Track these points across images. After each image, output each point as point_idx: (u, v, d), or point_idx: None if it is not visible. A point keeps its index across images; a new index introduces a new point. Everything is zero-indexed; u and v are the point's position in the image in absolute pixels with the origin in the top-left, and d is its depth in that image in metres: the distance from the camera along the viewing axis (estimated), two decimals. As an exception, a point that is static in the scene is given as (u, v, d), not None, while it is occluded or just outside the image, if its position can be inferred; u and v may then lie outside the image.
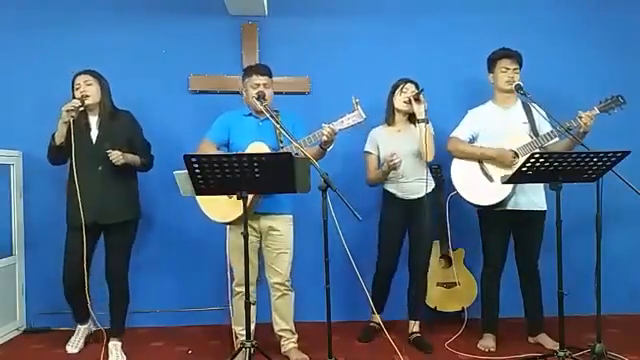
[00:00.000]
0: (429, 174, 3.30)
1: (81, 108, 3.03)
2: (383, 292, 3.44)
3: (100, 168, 3.04)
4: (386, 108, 3.36)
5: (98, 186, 3.03)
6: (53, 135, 3.07)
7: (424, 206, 3.22)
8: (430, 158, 3.20)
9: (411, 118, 3.30)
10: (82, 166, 3.00)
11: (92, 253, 3.14)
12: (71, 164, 3.04)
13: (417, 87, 3.28)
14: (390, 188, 3.33)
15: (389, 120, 3.36)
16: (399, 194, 3.30)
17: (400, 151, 3.19)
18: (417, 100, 3.16)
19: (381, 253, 3.40)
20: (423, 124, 3.13)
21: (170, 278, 3.80)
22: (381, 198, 3.42)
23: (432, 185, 3.33)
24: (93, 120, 3.14)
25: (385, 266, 3.39)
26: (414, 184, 3.26)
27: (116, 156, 3.00)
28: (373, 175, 3.35)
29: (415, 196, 3.26)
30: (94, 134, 3.12)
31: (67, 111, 2.96)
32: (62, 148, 3.03)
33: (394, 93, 3.33)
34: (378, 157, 3.36)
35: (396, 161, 3.12)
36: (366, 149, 3.40)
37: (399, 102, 3.30)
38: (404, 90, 3.29)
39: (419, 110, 3.14)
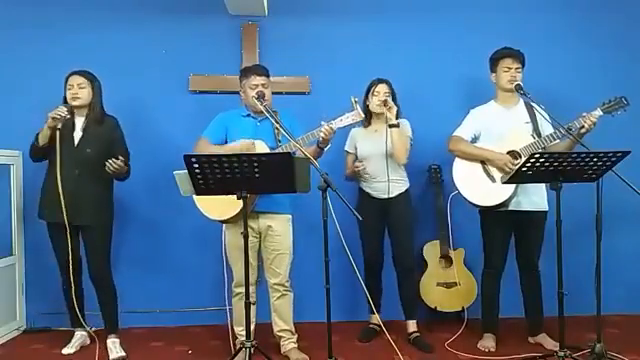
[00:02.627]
0: (405, 175, 3.37)
1: (68, 117, 3.00)
2: (375, 289, 3.44)
3: (77, 171, 3.05)
4: (361, 109, 3.36)
5: (72, 187, 3.02)
6: (37, 134, 3.08)
7: (399, 205, 3.30)
8: (402, 161, 3.27)
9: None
10: (61, 167, 3.01)
11: (78, 251, 3.19)
12: (50, 162, 3.09)
13: (389, 86, 3.31)
14: (364, 187, 3.38)
15: (364, 122, 3.36)
16: (373, 193, 3.35)
17: (374, 152, 3.31)
18: (386, 106, 3.17)
19: (364, 248, 3.42)
20: (394, 129, 3.15)
21: (170, 278, 3.79)
22: (357, 195, 3.44)
23: (406, 185, 3.37)
24: (79, 121, 3.13)
25: (370, 260, 3.41)
26: (384, 184, 3.29)
27: (114, 168, 2.98)
28: (348, 172, 3.45)
29: (386, 196, 3.30)
30: (77, 136, 3.11)
31: (52, 118, 2.95)
32: (45, 149, 3.04)
33: (367, 95, 3.35)
34: (356, 156, 3.43)
35: (359, 169, 3.25)
36: (345, 148, 3.47)
37: (372, 105, 3.32)
38: (375, 93, 3.30)
39: (389, 116, 3.15)
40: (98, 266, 3.17)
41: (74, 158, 3.05)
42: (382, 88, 3.30)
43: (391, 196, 3.29)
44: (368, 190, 3.36)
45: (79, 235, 3.18)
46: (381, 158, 3.30)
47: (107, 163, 2.98)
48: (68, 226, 3.01)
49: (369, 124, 3.40)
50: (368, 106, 3.35)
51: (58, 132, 2.98)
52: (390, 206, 3.31)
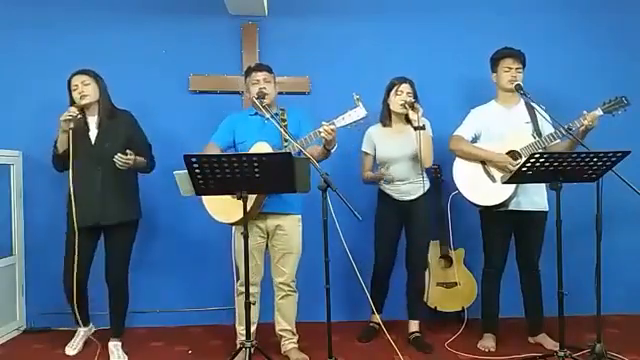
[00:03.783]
0: (425, 175, 3.31)
1: (79, 116, 2.98)
2: (382, 290, 3.44)
3: (99, 169, 3.02)
4: (381, 109, 3.34)
5: (98, 187, 3.01)
6: (55, 143, 3.06)
7: (419, 207, 3.27)
8: (428, 164, 3.22)
9: (408, 119, 3.26)
10: (82, 168, 2.99)
11: (93, 255, 3.15)
12: (71, 168, 3.02)
13: (412, 86, 3.25)
14: (386, 189, 3.34)
15: (384, 121, 3.34)
16: (395, 195, 3.31)
17: (398, 155, 3.25)
18: (412, 108, 3.11)
19: (377, 251, 3.41)
20: (420, 132, 3.06)
21: (170, 278, 3.80)
22: (377, 196, 3.43)
23: (427, 186, 3.33)
24: (92, 120, 3.11)
25: (382, 263, 3.40)
26: (409, 186, 3.28)
27: (124, 162, 2.93)
28: (368, 175, 3.38)
29: (410, 197, 3.28)
30: (93, 134, 3.08)
31: (65, 121, 2.93)
32: (66, 155, 3.00)
33: (389, 94, 3.29)
34: (374, 157, 3.37)
35: (387, 178, 3.24)
36: (363, 149, 3.40)
37: (395, 104, 3.25)
38: (399, 92, 3.24)
39: (414, 118, 3.08)
40: (118, 267, 3.13)
41: (94, 157, 3.01)
42: (405, 88, 3.23)
43: (414, 197, 3.27)
44: (389, 192, 3.32)
45: (100, 236, 3.15)
46: (406, 160, 3.25)
47: (115, 158, 2.93)
48: (94, 228, 3.00)
49: (390, 124, 3.34)
50: (389, 105, 3.30)
51: (71, 132, 2.93)
52: (411, 207, 3.28)
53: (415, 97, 3.23)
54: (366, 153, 3.39)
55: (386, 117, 3.33)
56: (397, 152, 3.26)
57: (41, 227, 3.65)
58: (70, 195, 3.01)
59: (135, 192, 3.22)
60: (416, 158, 3.21)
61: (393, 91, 3.27)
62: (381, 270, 3.41)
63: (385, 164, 3.30)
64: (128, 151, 2.97)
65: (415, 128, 3.06)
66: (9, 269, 3.60)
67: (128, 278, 3.21)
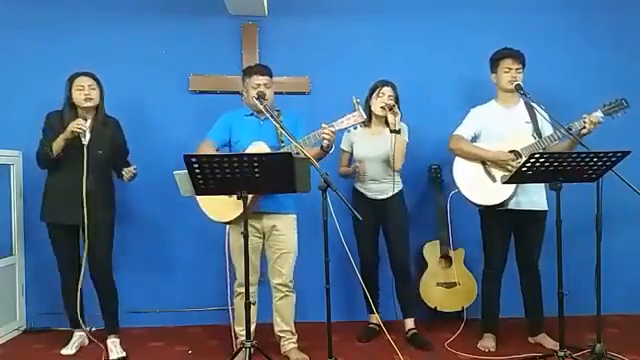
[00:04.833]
0: (398, 177, 3.37)
1: (86, 130, 3.00)
2: (373, 288, 3.42)
3: (86, 172, 3.03)
4: (363, 110, 3.36)
5: (80, 188, 3.01)
6: (42, 142, 3.09)
7: (393, 205, 3.32)
8: (398, 167, 3.29)
9: (386, 122, 3.27)
10: (69, 169, 3.03)
11: (77, 255, 3.19)
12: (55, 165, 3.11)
13: (394, 90, 3.29)
14: (360, 187, 3.40)
15: (365, 122, 3.35)
16: (368, 194, 3.36)
17: (372, 155, 3.32)
18: (391, 111, 3.16)
19: (360, 248, 3.43)
20: (394, 135, 3.13)
21: (170, 278, 3.79)
22: (350, 196, 3.44)
23: (400, 186, 3.38)
24: (87, 123, 3.13)
25: (366, 263, 3.41)
26: (381, 185, 3.32)
27: (131, 176, 3.11)
28: (343, 170, 3.48)
29: (383, 196, 3.32)
30: (86, 138, 3.08)
31: (72, 131, 2.97)
32: (57, 158, 3.05)
33: (371, 96, 3.33)
34: (352, 154, 3.44)
35: (359, 171, 3.32)
36: (341, 146, 3.47)
37: (375, 106, 3.31)
38: (380, 94, 3.29)
39: (392, 121, 3.14)
40: (101, 265, 3.17)
41: (84, 160, 3.02)
42: (387, 91, 3.28)
43: (386, 197, 3.30)
44: (362, 190, 3.38)
45: (80, 235, 3.17)
46: (379, 161, 3.30)
47: (123, 173, 3.10)
48: (72, 226, 3.02)
49: (369, 125, 3.37)
50: (370, 107, 3.34)
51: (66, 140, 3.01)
52: (385, 207, 3.32)
53: (397, 101, 3.27)
54: (344, 151, 3.48)
55: (367, 118, 3.35)
56: (370, 152, 3.32)
57: (41, 227, 3.64)
58: (51, 190, 3.13)
59: (112, 195, 3.27)
60: (388, 160, 3.26)
61: (375, 93, 3.32)
62: (366, 267, 3.42)
63: (360, 162, 3.36)
64: (134, 166, 3.13)
65: (391, 131, 3.13)
66: (9, 269, 3.60)
67: (113, 275, 3.22)
